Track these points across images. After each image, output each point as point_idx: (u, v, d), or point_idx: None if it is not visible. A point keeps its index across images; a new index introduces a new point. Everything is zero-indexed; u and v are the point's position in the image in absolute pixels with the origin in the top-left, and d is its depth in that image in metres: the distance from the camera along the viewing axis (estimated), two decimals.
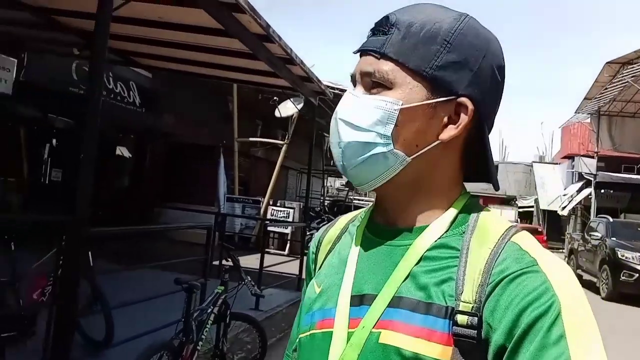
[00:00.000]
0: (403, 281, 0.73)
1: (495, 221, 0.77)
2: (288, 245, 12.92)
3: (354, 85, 0.81)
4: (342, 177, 25.37)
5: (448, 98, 0.75)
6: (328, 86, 10.33)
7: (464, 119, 0.76)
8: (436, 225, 0.77)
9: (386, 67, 0.75)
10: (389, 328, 0.71)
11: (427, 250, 0.75)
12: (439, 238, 0.76)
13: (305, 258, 1.10)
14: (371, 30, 0.80)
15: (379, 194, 0.83)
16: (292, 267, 8.41)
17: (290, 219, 13.64)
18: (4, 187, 9.68)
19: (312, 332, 0.81)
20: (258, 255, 7.57)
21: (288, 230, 13.53)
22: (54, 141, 10.89)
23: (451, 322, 0.68)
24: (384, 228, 0.82)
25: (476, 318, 0.67)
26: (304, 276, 1.10)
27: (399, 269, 0.75)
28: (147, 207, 12.50)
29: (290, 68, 6.45)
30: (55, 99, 9.04)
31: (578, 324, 0.63)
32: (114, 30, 6.49)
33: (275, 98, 12.07)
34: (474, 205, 0.80)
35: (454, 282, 0.70)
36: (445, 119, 0.76)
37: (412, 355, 0.68)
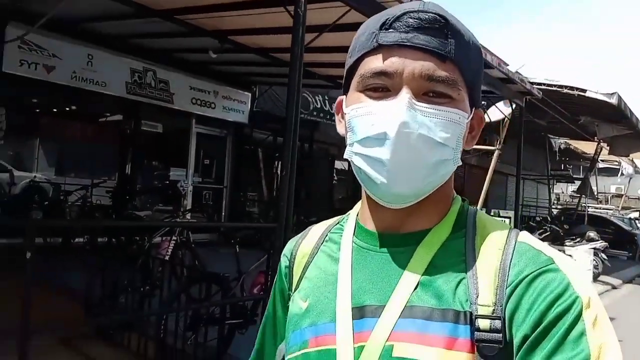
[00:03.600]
0: (414, 289, 0.69)
1: (493, 222, 0.76)
2: None
3: (383, 87, 0.70)
4: (574, 182, 22.66)
5: (473, 111, 0.75)
6: (541, 83, 9.56)
7: (478, 129, 0.79)
8: (439, 229, 0.74)
9: (455, 75, 0.69)
10: (403, 340, 0.66)
11: (433, 255, 0.72)
12: (443, 242, 0.73)
13: None
14: (412, 25, 0.69)
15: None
16: None
17: None
18: (245, 201, 11.54)
19: (304, 351, 0.75)
20: None
21: None
22: None
23: (472, 327, 0.65)
24: (382, 235, 0.76)
25: (499, 321, 0.64)
26: None
27: (406, 276, 0.71)
28: None
29: (487, 72, 6.25)
30: (282, 123, 10.45)
31: (596, 321, 0.62)
32: (323, 59, 7.28)
33: (483, 103, 11.63)
34: (468, 207, 0.79)
35: (466, 286, 0.68)
36: (468, 130, 0.76)
37: None
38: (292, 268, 0.86)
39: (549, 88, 9.66)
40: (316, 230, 0.88)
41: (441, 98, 0.69)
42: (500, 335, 0.64)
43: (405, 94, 0.68)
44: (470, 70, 0.72)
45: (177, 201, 9.34)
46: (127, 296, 4.17)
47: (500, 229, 0.73)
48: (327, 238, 0.85)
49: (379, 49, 0.70)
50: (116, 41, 7.91)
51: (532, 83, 8.40)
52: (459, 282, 0.68)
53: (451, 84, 0.69)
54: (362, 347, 0.68)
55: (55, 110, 10.28)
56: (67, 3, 5.05)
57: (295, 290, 0.83)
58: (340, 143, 13.73)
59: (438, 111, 0.69)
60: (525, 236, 0.72)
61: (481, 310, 0.65)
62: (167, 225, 5.15)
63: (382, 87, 0.70)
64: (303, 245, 0.87)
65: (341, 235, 0.82)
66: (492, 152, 13.59)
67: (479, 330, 0.64)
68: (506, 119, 12.02)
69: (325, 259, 0.82)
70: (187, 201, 9.61)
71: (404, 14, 0.69)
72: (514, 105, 9.10)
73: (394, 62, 0.69)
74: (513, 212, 14.59)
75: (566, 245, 9.28)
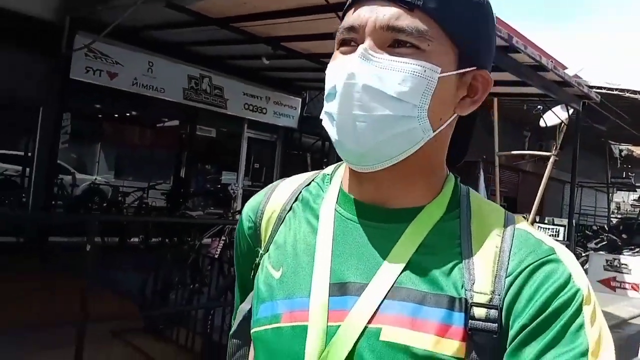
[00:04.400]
0: (403, 270, 0.65)
1: (487, 203, 0.72)
2: None
3: (354, 40, 0.66)
4: (635, 191, 21.49)
5: (472, 69, 0.68)
6: (601, 87, 9.15)
7: (482, 93, 0.71)
8: (432, 207, 0.69)
9: (424, 25, 0.63)
10: (393, 324, 0.62)
11: (425, 235, 0.67)
12: (436, 222, 0.68)
13: None
14: None
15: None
16: None
17: (560, 238, 12.39)
18: None
19: (275, 325, 0.68)
20: None
21: None
22: None
23: (467, 315, 0.62)
24: (368, 206, 0.70)
25: (496, 310, 0.61)
26: None
27: (394, 255, 0.66)
28: None
29: (542, 75, 6.07)
30: None
31: (594, 315, 0.61)
32: None
33: (538, 107, 11.28)
34: (461, 186, 0.74)
35: (462, 271, 0.64)
36: (465, 92, 0.69)
37: (425, 354, 0.60)
38: (259, 226, 0.79)
39: (610, 92, 9.24)
40: (285, 187, 0.81)
41: (406, 49, 0.64)
42: (496, 325, 0.61)
43: (362, 46, 0.64)
44: (456, 22, 0.65)
45: (228, 204, 9.59)
46: (177, 292, 4.33)
47: (496, 211, 0.70)
48: (300, 197, 0.78)
49: (352, 4, 0.68)
50: (174, 48, 8.23)
51: (590, 87, 8.07)
52: (453, 266, 0.64)
53: (414, 34, 0.63)
54: (339, 327, 0.63)
55: (116, 115, 10.80)
56: (131, 13, 5.32)
57: (265, 251, 0.76)
58: None
59: (396, 62, 0.63)
60: (522, 222, 0.69)
61: (477, 298, 0.62)
62: (220, 223, 5.30)
63: (353, 42, 0.67)
64: (271, 203, 0.79)
65: (319, 201, 0.75)
66: (548, 159, 13.14)
67: (473, 318, 0.61)
68: (563, 124, 11.59)
69: (300, 225, 0.74)
70: (237, 204, 9.85)
71: None
72: (570, 110, 8.76)
73: (360, 15, 0.65)
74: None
75: (624, 254, 8.83)
